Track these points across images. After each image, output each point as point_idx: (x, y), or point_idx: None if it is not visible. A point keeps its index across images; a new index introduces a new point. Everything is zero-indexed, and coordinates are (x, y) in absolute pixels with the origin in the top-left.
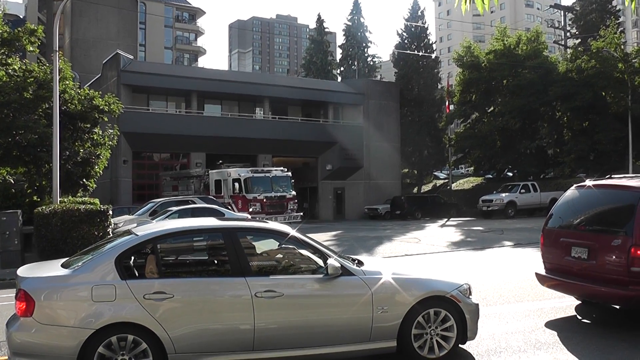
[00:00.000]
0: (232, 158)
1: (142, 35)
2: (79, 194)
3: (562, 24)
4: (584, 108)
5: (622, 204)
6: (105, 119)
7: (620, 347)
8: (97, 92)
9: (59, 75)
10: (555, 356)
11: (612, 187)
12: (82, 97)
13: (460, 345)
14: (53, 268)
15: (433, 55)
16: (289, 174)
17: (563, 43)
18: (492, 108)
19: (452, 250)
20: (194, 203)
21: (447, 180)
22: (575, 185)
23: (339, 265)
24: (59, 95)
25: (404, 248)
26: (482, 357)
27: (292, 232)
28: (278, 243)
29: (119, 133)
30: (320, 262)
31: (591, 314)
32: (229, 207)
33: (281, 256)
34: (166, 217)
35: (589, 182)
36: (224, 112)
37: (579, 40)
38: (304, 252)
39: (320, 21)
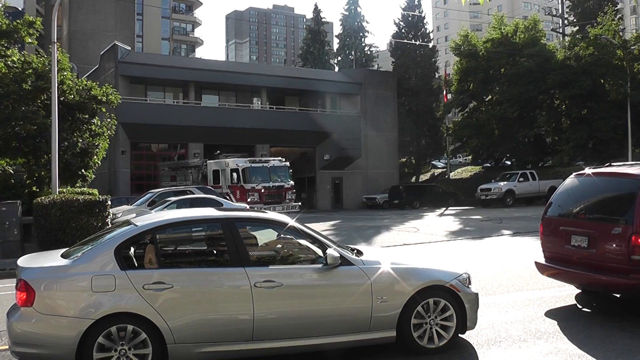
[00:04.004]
0: (230, 148)
1: (140, 26)
2: (77, 185)
3: (560, 12)
4: (583, 96)
5: (622, 192)
6: (104, 110)
7: (621, 337)
8: (95, 83)
9: (57, 66)
10: (556, 345)
11: (612, 175)
12: (80, 88)
13: (459, 335)
14: (53, 258)
15: (430, 45)
16: (287, 164)
17: (561, 31)
18: (489, 97)
19: (450, 240)
20: (192, 193)
21: (445, 170)
22: (574, 174)
23: (338, 255)
24: (58, 86)
25: (403, 237)
26: (481, 346)
27: (291, 222)
28: (277, 233)
29: (116, 123)
30: (319, 252)
31: (591, 303)
32: (227, 198)
33: (280, 246)
34: (164, 208)
35: (588, 170)
36: (221, 102)
37: (577, 27)
38: (303, 242)
39: (317, 11)
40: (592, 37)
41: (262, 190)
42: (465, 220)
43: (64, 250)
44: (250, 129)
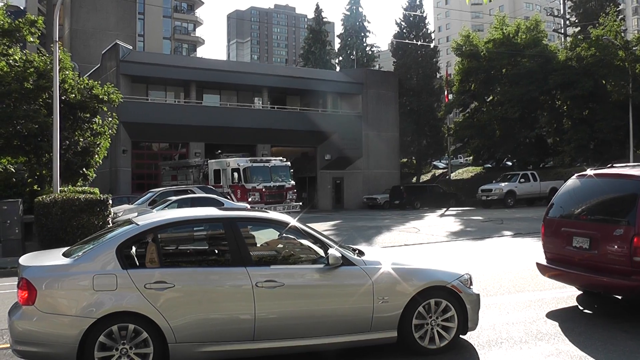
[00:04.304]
0: (231, 148)
1: (141, 25)
2: (78, 184)
3: (562, 12)
4: (584, 96)
5: (624, 193)
6: (105, 109)
7: (623, 338)
8: (96, 82)
9: (58, 65)
10: (557, 347)
11: (614, 176)
12: (82, 87)
13: (461, 336)
14: (55, 257)
15: (432, 45)
16: (288, 163)
17: (562, 31)
18: (491, 97)
19: (451, 240)
20: (193, 193)
21: (446, 170)
22: (576, 175)
23: (340, 255)
24: (59, 85)
25: (403, 238)
26: (483, 347)
27: (293, 221)
28: (278, 233)
29: (117, 122)
30: (321, 252)
31: (593, 305)
32: (228, 197)
33: (282, 246)
34: (165, 207)
35: (590, 171)
36: (222, 102)
37: (579, 28)
38: (305, 242)
39: (318, 11)
40: (593, 38)
41: (263, 190)
42: (466, 220)
43: (66, 249)
44: (251, 129)
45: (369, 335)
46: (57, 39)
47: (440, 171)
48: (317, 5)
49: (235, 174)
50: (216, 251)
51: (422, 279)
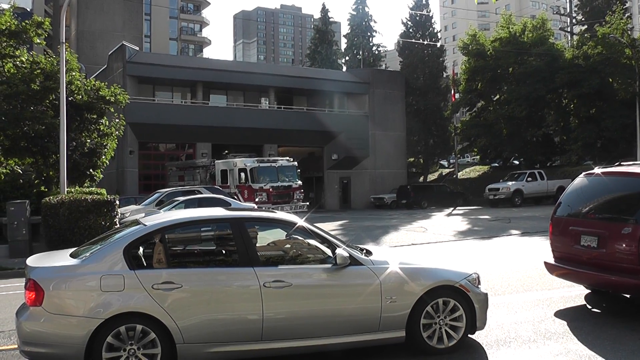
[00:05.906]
0: (237, 148)
1: (148, 26)
2: (86, 184)
3: (568, 11)
4: (591, 95)
5: (632, 191)
6: (112, 110)
7: (632, 337)
8: (103, 83)
9: (65, 66)
10: (566, 346)
11: (622, 175)
12: (89, 88)
13: (469, 335)
14: (62, 258)
15: (438, 44)
16: (295, 163)
17: (569, 30)
18: (498, 96)
19: (459, 240)
20: (200, 193)
21: (453, 169)
22: (584, 173)
23: (348, 255)
24: (66, 87)
25: (411, 237)
26: (491, 347)
27: (300, 221)
28: (286, 233)
29: (125, 123)
30: (328, 251)
31: (601, 303)
32: (235, 197)
33: (289, 246)
34: (172, 207)
35: (598, 170)
36: (229, 102)
37: (585, 26)
38: (312, 241)
39: (324, 11)
40: (600, 36)
41: (270, 190)
42: (473, 220)
43: (73, 249)
44: (258, 129)
45: (377, 335)
46: (64, 41)
47: (447, 170)
48: (324, 5)
49: (242, 174)
50: (224, 251)
51: (430, 279)
